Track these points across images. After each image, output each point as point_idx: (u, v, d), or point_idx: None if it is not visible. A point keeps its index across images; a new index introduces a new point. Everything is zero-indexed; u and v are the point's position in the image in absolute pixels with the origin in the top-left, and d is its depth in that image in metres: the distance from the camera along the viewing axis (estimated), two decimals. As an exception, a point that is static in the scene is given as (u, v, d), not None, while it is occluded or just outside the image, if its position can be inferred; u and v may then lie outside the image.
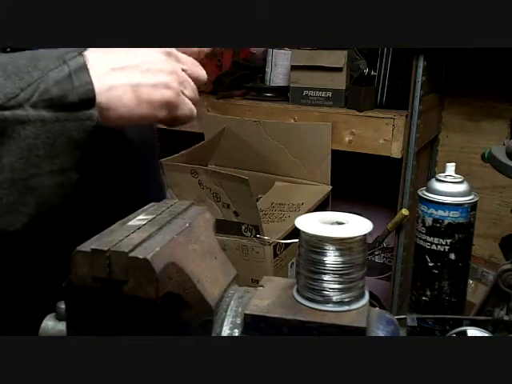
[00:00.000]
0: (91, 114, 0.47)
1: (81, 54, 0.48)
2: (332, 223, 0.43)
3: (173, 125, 0.56)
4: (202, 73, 0.57)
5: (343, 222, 0.44)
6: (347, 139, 1.62)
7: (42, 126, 0.46)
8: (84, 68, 0.47)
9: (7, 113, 0.44)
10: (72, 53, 0.48)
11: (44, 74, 0.46)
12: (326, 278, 0.41)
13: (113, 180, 0.67)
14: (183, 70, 0.54)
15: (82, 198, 0.56)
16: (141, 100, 0.51)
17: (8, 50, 0.54)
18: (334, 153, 1.62)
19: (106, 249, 0.39)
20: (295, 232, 0.43)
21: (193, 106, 0.56)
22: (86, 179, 0.54)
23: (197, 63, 0.57)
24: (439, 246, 0.67)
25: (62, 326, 0.45)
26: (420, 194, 0.69)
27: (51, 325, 0.46)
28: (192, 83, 0.56)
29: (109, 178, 0.66)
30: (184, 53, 0.56)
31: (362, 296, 0.43)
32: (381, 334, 0.41)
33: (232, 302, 0.44)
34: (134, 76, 0.51)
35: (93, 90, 0.47)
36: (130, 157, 0.70)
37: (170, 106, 0.53)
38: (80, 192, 0.52)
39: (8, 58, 0.48)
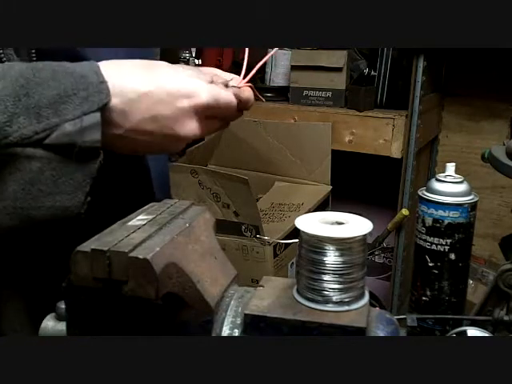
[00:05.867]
0: (95, 162, 0.50)
1: (99, 108, 0.49)
2: (332, 223, 0.43)
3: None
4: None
5: (343, 222, 0.44)
6: (347, 139, 1.62)
7: (47, 164, 0.48)
8: (97, 126, 0.49)
9: (19, 149, 0.47)
10: (94, 101, 0.49)
11: (61, 122, 0.48)
12: (326, 278, 0.41)
13: (118, 179, 0.67)
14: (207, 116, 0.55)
15: (91, 203, 0.56)
16: (138, 151, 0.56)
17: (1, 54, 0.54)
18: (334, 153, 1.62)
19: (106, 249, 0.39)
20: (295, 232, 0.43)
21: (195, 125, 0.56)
22: (98, 184, 0.54)
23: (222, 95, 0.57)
24: (439, 246, 0.67)
25: (61, 326, 0.45)
26: (420, 194, 0.69)
27: (51, 325, 0.46)
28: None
29: (114, 178, 0.66)
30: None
31: (361, 296, 0.43)
32: (381, 334, 0.41)
33: (232, 302, 0.44)
34: (143, 141, 0.53)
35: (98, 149, 0.49)
36: (142, 161, 0.70)
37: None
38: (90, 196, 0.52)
39: (34, 80, 0.48)
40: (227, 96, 0.56)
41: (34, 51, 0.55)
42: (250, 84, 0.63)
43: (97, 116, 0.49)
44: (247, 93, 0.62)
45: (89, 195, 0.50)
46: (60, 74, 0.49)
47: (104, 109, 0.50)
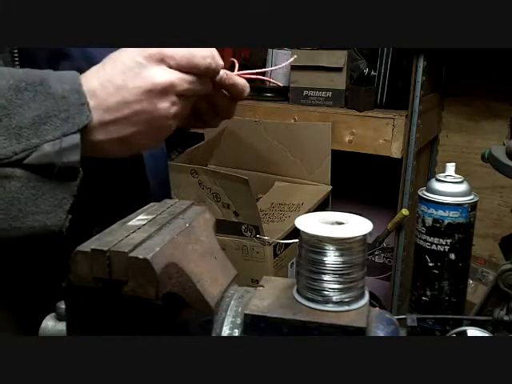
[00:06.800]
0: (75, 180, 0.50)
1: (79, 129, 0.49)
2: (332, 223, 0.43)
3: None
4: (200, 88, 0.56)
5: (343, 222, 0.44)
6: (347, 139, 1.62)
7: (26, 183, 0.48)
8: (76, 147, 0.49)
9: None
10: (75, 123, 0.49)
11: (40, 143, 0.48)
12: (326, 278, 0.41)
13: (119, 182, 0.67)
14: (178, 94, 0.54)
15: (84, 198, 0.56)
16: (129, 147, 0.54)
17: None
18: (334, 153, 1.62)
19: (106, 249, 0.39)
20: (295, 232, 0.43)
21: (181, 119, 0.56)
22: (90, 179, 0.54)
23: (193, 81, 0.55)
24: (439, 246, 0.67)
25: (62, 326, 0.45)
26: (420, 194, 0.69)
27: (51, 325, 0.46)
28: (186, 102, 0.56)
29: (115, 180, 0.66)
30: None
31: (361, 296, 0.43)
32: (381, 334, 0.41)
33: (232, 302, 0.44)
34: (122, 130, 0.52)
35: (77, 169, 0.49)
36: (139, 157, 0.70)
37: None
38: (83, 191, 0.52)
39: (16, 102, 0.48)
40: (182, 75, 0.54)
41: (16, 50, 0.55)
42: (241, 72, 0.62)
43: (76, 137, 0.49)
44: (241, 80, 0.61)
45: (70, 213, 0.50)
46: (42, 96, 0.49)
47: (85, 129, 0.49)
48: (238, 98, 0.62)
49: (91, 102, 0.50)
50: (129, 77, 0.51)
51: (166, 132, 0.56)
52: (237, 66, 0.63)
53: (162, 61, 0.52)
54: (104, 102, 0.51)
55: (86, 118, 0.49)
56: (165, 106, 0.53)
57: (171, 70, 0.53)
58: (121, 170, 0.66)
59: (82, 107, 0.49)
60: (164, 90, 0.52)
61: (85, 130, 0.50)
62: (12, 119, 0.47)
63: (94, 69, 0.53)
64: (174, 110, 0.54)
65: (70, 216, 0.50)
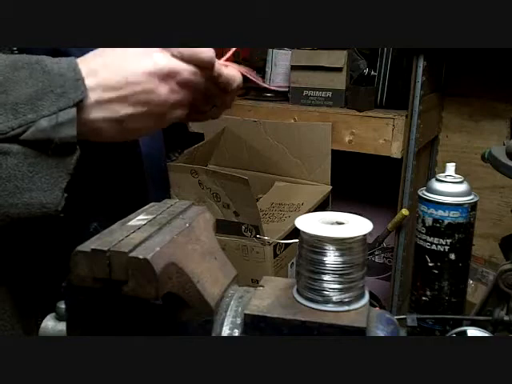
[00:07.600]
0: (71, 158, 0.50)
1: (75, 104, 0.49)
2: (332, 223, 0.43)
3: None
4: (200, 81, 0.56)
5: (343, 222, 0.44)
6: (347, 139, 1.62)
7: (23, 159, 0.48)
8: (73, 121, 0.49)
9: None
10: (70, 98, 0.49)
11: (37, 118, 0.48)
12: (326, 278, 0.41)
13: (117, 179, 0.67)
14: (178, 83, 0.54)
15: (83, 198, 0.56)
16: (125, 130, 0.54)
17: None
18: (334, 153, 1.62)
19: (106, 249, 0.39)
20: (295, 232, 0.43)
21: (181, 112, 0.56)
22: (89, 179, 0.54)
23: (194, 71, 0.55)
24: (439, 246, 0.67)
25: (61, 326, 0.45)
26: (420, 194, 0.69)
27: (51, 325, 0.46)
28: (185, 93, 0.55)
29: (113, 177, 0.66)
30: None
31: (361, 296, 0.43)
32: (381, 334, 0.41)
33: (232, 302, 0.44)
34: (120, 110, 0.52)
35: (75, 144, 0.49)
36: (137, 156, 0.70)
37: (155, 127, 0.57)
38: (81, 191, 0.52)
39: (12, 79, 0.48)
40: (183, 64, 0.54)
41: (15, 48, 0.55)
42: (238, 67, 0.61)
43: (72, 112, 0.49)
44: (230, 70, 0.60)
45: (66, 192, 0.50)
46: (38, 73, 0.49)
47: (81, 104, 0.50)
48: (228, 89, 0.61)
49: (91, 81, 0.50)
50: (131, 58, 0.52)
51: (164, 120, 0.56)
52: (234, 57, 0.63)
53: (165, 49, 0.53)
54: (104, 81, 0.51)
55: (81, 93, 0.50)
56: (164, 90, 0.53)
57: (175, 58, 0.53)
58: (118, 164, 0.66)
59: (77, 82, 0.50)
60: (165, 75, 0.53)
61: (82, 107, 0.50)
62: (9, 95, 0.48)
63: (94, 52, 0.53)
64: (173, 97, 0.54)
65: (65, 195, 0.50)
